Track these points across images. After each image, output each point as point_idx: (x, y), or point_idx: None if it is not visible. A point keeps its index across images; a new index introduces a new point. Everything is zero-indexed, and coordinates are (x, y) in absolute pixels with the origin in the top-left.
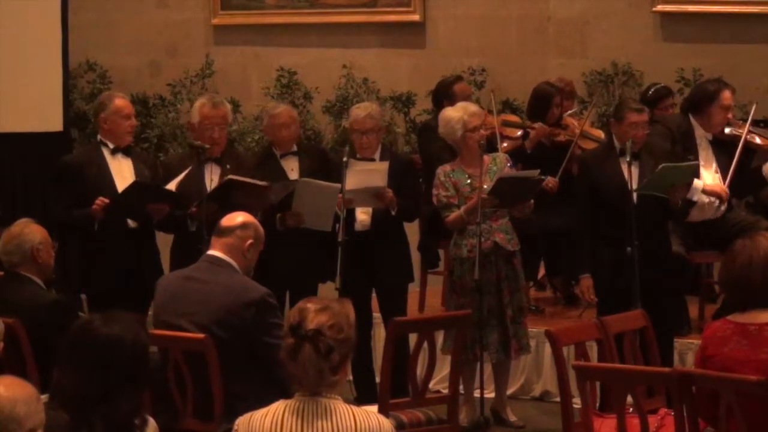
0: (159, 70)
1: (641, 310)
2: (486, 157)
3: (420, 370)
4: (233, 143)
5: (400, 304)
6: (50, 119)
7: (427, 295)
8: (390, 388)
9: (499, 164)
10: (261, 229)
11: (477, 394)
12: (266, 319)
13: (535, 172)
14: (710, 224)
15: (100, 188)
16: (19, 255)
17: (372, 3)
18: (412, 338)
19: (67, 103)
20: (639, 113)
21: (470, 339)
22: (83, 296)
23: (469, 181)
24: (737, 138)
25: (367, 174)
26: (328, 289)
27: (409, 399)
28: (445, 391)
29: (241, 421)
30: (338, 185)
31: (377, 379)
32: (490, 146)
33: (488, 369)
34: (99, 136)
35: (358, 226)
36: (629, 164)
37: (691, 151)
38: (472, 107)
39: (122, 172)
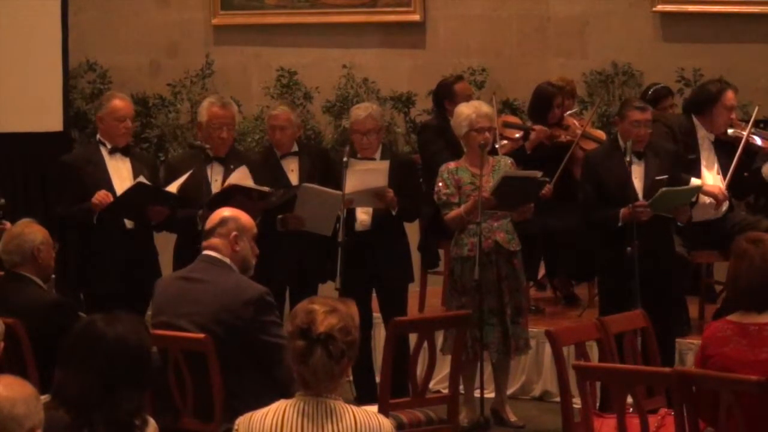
0: (159, 70)
1: (641, 310)
2: (491, 159)
3: (420, 370)
4: (234, 143)
5: (400, 304)
6: (50, 119)
7: (427, 295)
8: (390, 388)
9: (502, 168)
10: (243, 218)
11: (477, 394)
12: (264, 318)
13: (538, 173)
14: (710, 224)
15: (98, 187)
16: (20, 255)
17: (372, 3)
18: (412, 338)
19: (67, 103)
20: (642, 111)
21: (471, 338)
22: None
23: (472, 179)
24: (739, 139)
25: (367, 174)
26: (328, 289)
27: (409, 399)
28: (445, 391)
29: (241, 421)
30: (341, 193)
31: (377, 379)
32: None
33: (488, 369)
34: (98, 136)
35: (358, 226)
36: (629, 163)
37: (693, 151)
38: (485, 108)
39: (120, 172)
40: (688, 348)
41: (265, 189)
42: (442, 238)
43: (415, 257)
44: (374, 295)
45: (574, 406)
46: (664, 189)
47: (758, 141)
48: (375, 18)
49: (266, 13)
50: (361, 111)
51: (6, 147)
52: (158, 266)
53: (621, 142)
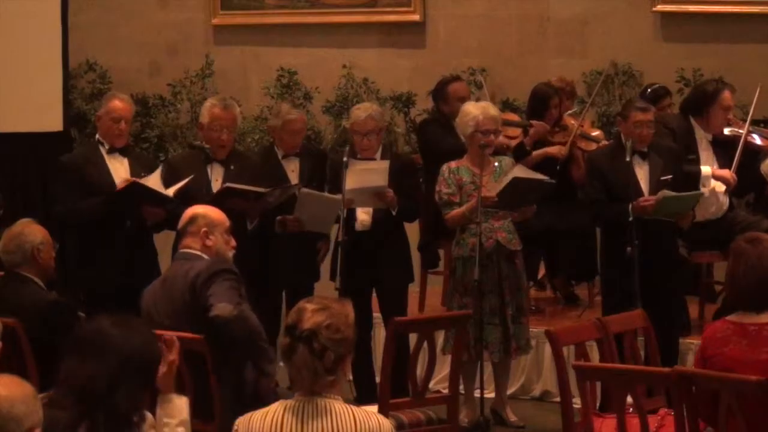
0: (159, 70)
1: (641, 310)
2: (492, 159)
3: (420, 370)
4: (234, 143)
5: (400, 304)
6: (50, 119)
7: (427, 295)
8: (390, 388)
9: (504, 168)
10: (212, 213)
11: (477, 394)
12: (211, 279)
13: (546, 177)
14: (711, 224)
15: (98, 187)
16: (20, 255)
17: (372, 3)
18: (412, 338)
19: (67, 103)
20: (644, 112)
21: (472, 338)
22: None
23: (473, 179)
24: (737, 138)
25: (367, 174)
26: (328, 289)
27: (409, 399)
28: (445, 391)
29: (241, 421)
30: (339, 197)
31: (377, 379)
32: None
33: (488, 369)
34: (97, 135)
35: (358, 226)
36: (630, 163)
37: (692, 151)
38: (493, 111)
39: (118, 172)
40: (688, 348)
41: (260, 189)
42: (441, 238)
43: (415, 257)
44: (374, 295)
45: (574, 406)
46: (664, 196)
47: (757, 140)
48: (375, 18)
49: (266, 13)
50: (362, 112)
51: (6, 147)
52: (158, 266)
53: (625, 142)
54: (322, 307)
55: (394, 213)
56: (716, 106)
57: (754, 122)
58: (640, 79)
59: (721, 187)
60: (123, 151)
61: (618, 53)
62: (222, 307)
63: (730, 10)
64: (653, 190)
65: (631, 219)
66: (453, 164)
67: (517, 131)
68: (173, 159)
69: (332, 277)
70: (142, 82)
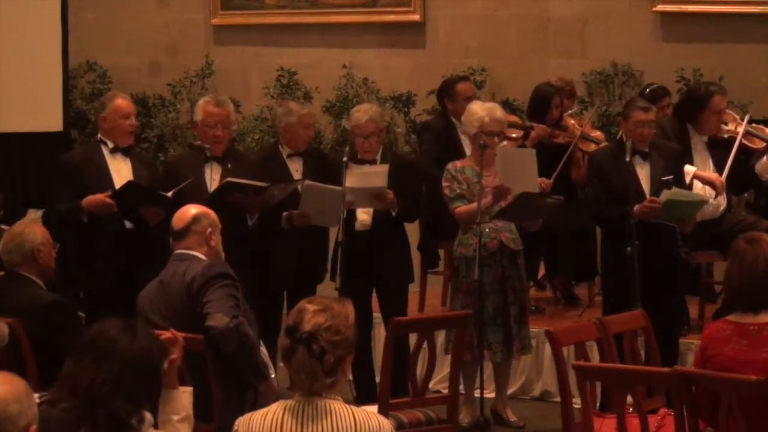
0: (159, 70)
1: (641, 310)
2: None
3: (420, 370)
4: (233, 143)
5: (400, 305)
6: (50, 119)
7: (427, 295)
8: (390, 388)
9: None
10: (212, 213)
11: (477, 394)
12: (208, 284)
13: (555, 198)
14: (710, 224)
15: (98, 187)
16: (20, 255)
17: (372, 3)
18: (412, 338)
19: (67, 103)
20: (645, 112)
21: (475, 339)
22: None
23: (478, 179)
24: (733, 139)
25: (366, 175)
26: (328, 289)
27: (409, 399)
28: (445, 391)
29: (241, 421)
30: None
31: (377, 379)
32: None
33: (488, 369)
34: (99, 135)
35: (358, 226)
36: (631, 163)
37: (687, 154)
38: (499, 113)
39: (120, 172)
40: (688, 348)
41: (260, 184)
42: (441, 238)
43: (415, 257)
44: (374, 295)
45: (574, 406)
46: (667, 198)
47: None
48: (375, 18)
49: (266, 13)
50: (362, 114)
51: (6, 147)
52: (158, 267)
53: (626, 142)
54: (322, 308)
55: (394, 214)
56: (707, 112)
57: (753, 121)
58: (640, 79)
59: (712, 192)
60: (126, 152)
61: (618, 53)
62: (218, 318)
63: (730, 10)
64: (655, 191)
65: (632, 222)
66: (458, 163)
67: (519, 133)
68: (171, 159)
69: (332, 277)
70: (142, 82)
